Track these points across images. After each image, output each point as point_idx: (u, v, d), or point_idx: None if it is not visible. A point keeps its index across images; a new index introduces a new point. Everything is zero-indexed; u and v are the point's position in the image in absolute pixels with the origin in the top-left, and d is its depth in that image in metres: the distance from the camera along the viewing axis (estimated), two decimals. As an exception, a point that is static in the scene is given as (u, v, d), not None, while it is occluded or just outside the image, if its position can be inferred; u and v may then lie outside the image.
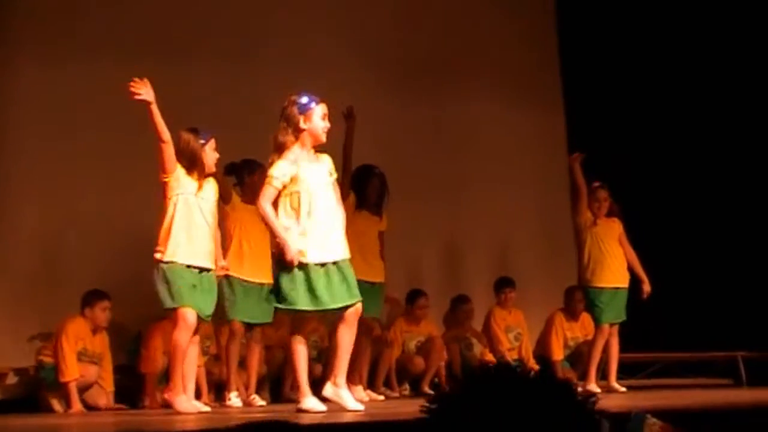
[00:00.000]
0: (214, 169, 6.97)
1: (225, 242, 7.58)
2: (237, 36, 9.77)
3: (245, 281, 7.78)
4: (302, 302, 6.16)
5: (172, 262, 6.72)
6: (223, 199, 7.63)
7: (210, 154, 6.92)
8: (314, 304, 6.17)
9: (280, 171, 6.21)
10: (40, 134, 8.99)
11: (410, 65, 10.52)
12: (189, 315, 6.70)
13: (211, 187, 6.97)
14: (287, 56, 9.77)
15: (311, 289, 6.15)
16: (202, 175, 6.86)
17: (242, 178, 7.90)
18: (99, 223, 8.97)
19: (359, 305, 6.25)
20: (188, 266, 6.75)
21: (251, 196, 7.77)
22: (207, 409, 7.08)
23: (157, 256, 6.73)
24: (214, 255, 6.97)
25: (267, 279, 7.46)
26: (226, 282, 7.65)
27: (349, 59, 10.07)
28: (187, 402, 6.74)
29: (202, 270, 6.82)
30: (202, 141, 6.89)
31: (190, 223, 6.78)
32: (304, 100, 6.27)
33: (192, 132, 6.89)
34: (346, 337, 6.23)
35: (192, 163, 6.82)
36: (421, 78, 10.55)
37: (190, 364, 6.84)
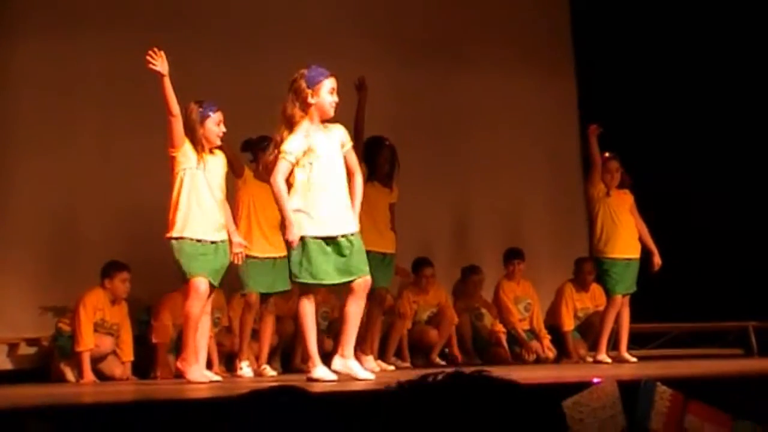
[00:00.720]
0: (216, 143, 6.89)
1: (235, 216, 7.58)
2: (243, 9, 9.75)
3: (255, 256, 7.78)
4: (305, 276, 6.18)
5: (181, 238, 6.73)
6: (235, 172, 7.64)
7: (212, 128, 6.85)
8: (320, 277, 6.19)
9: (292, 146, 6.21)
10: (52, 106, 9.01)
11: (418, 36, 10.50)
12: (201, 284, 6.71)
13: (218, 160, 6.95)
14: (295, 30, 9.76)
15: (317, 263, 6.16)
16: (202, 148, 6.82)
17: (256, 155, 7.89)
18: (112, 197, 9.00)
19: (368, 277, 6.26)
20: (198, 240, 6.76)
21: (266, 172, 7.78)
22: (218, 378, 7.11)
23: (168, 234, 6.75)
24: (226, 228, 6.97)
25: (278, 252, 7.53)
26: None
27: (355, 31, 10.06)
28: (199, 372, 6.75)
29: (213, 242, 6.83)
30: (205, 113, 6.84)
31: (198, 197, 6.78)
32: (313, 74, 6.25)
33: (197, 104, 6.88)
34: (354, 308, 6.25)
35: (192, 135, 6.81)
36: (429, 48, 10.52)
37: (202, 334, 6.85)
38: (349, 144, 6.39)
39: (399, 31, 10.37)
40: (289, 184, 6.26)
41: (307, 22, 9.85)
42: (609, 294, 8.67)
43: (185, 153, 6.77)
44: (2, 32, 8.92)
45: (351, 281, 6.22)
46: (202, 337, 6.87)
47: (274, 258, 7.77)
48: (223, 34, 9.59)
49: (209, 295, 6.83)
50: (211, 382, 6.82)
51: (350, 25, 10.06)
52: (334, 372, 6.23)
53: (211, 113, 6.87)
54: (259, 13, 9.82)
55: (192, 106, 6.86)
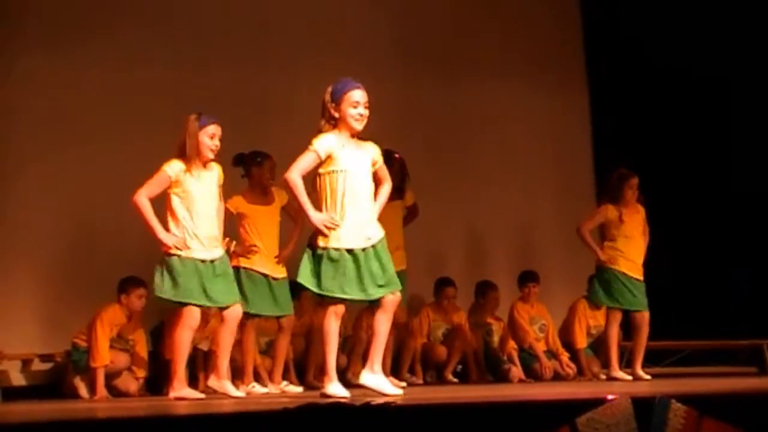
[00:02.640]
0: (207, 156, 6.84)
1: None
2: (252, 23, 9.78)
3: (254, 271, 7.78)
4: (337, 290, 6.17)
5: (176, 255, 6.75)
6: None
7: (205, 141, 6.82)
8: (348, 293, 6.18)
9: (322, 143, 6.19)
10: (66, 118, 9.04)
11: (430, 48, 10.51)
12: (193, 313, 6.76)
13: (213, 175, 6.91)
14: (304, 43, 9.78)
15: (343, 278, 6.16)
16: (197, 161, 6.80)
17: (249, 170, 7.87)
18: (128, 212, 8.99)
19: (399, 294, 6.26)
20: (194, 259, 6.77)
21: (258, 188, 7.81)
22: (201, 396, 7.07)
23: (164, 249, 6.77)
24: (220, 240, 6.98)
25: (277, 272, 7.70)
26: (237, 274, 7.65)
27: (367, 43, 10.07)
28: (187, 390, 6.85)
29: (212, 261, 6.84)
30: (200, 124, 6.81)
31: (191, 214, 6.79)
32: (337, 87, 6.22)
33: (196, 116, 6.85)
34: (384, 324, 6.24)
35: (184, 147, 6.79)
36: (441, 61, 10.53)
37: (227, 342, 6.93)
38: (380, 162, 6.40)
39: (410, 43, 10.37)
40: (316, 197, 6.25)
41: (317, 36, 9.86)
42: (609, 307, 8.63)
43: (176, 173, 6.78)
44: (5, 43, 8.95)
45: (382, 295, 6.22)
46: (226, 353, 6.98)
47: (276, 278, 7.80)
48: (232, 48, 9.60)
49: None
50: (196, 399, 6.85)
51: (361, 37, 10.07)
52: (362, 386, 6.24)
53: (206, 125, 6.83)
54: (267, 27, 9.84)
55: (191, 117, 6.86)
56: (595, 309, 9.54)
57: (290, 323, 8.01)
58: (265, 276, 7.78)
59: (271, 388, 7.85)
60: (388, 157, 8.36)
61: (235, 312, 6.93)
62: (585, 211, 9.08)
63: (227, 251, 7.13)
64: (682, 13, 10.83)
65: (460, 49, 10.66)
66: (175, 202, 6.80)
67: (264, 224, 7.79)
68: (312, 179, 6.29)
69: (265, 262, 7.78)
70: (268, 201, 7.83)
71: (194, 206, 6.79)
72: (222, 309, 6.95)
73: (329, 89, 6.23)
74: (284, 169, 6.28)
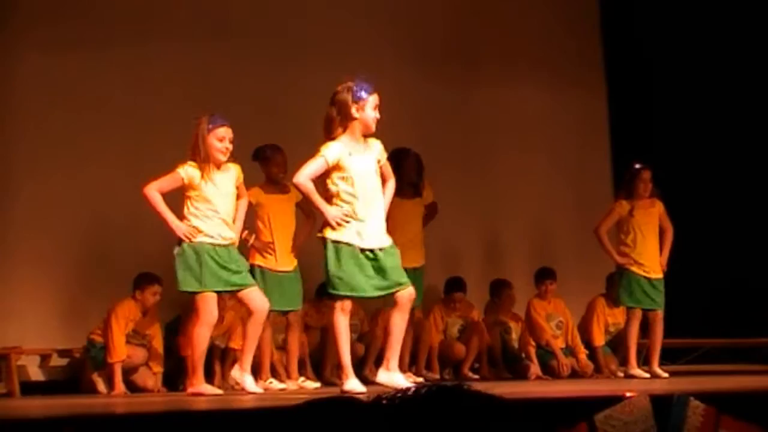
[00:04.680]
0: (219, 159, 6.81)
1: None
2: (265, 18, 9.77)
3: (275, 271, 7.80)
4: (343, 288, 6.20)
5: (190, 243, 6.78)
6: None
7: (215, 144, 6.78)
8: (358, 290, 6.21)
9: (331, 151, 6.25)
10: (77, 118, 9.05)
11: (447, 51, 10.48)
12: (210, 305, 6.76)
13: (230, 175, 6.90)
14: (319, 39, 9.75)
15: (353, 274, 6.19)
16: (210, 163, 6.78)
17: (263, 163, 7.90)
18: (143, 207, 9.01)
19: (411, 289, 6.29)
20: (208, 244, 6.78)
21: (275, 179, 7.84)
22: (220, 391, 7.11)
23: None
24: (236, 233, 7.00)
25: (288, 265, 7.74)
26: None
27: (384, 42, 10.06)
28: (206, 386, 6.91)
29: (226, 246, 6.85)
30: (210, 126, 6.80)
31: (206, 218, 6.80)
32: (359, 88, 6.29)
33: (206, 117, 6.84)
34: (399, 321, 6.28)
35: (196, 150, 6.78)
36: (459, 64, 10.52)
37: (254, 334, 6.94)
38: (385, 159, 6.47)
39: (426, 47, 10.36)
40: (328, 198, 6.30)
41: (333, 37, 9.84)
42: (629, 307, 8.64)
43: (191, 176, 6.80)
44: (7, 47, 8.95)
45: (391, 294, 6.23)
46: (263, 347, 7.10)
47: (287, 272, 7.81)
48: (245, 51, 9.59)
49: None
50: (215, 394, 6.89)
51: (377, 40, 10.06)
52: (378, 384, 6.25)
53: (215, 127, 6.81)
54: (282, 26, 9.82)
55: (202, 120, 6.83)
56: (614, 307, 9.52)
57: (298, 318, 8.05)
58: (277, 272, 7.79)
59: (289, 384, 7.86)
60: (403, 153, 8.41)
61: (261, 303, 6.91)
62: (601, 210, 9.07)
63: (246, 243, 7.15)
64: (699, 12, 10.78)
65: (478, 55, 10.64)
66: (190, 206, 6.81)
67: (280, 216, 7.82)
68: (323, 182, 6.36)
69: (278, 258, 7.80)
70: (284, 192, 7.85)
71: (209, 210, 6.79)
72: (239, 291, 6.91)
73: (348, 89, 6.29)
74: (294, 162, 6.31)
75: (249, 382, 6.97)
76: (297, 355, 8.13)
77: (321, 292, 8.08)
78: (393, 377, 6.25)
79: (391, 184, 6.50)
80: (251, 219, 7.66)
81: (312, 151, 6.41)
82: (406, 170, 8.37)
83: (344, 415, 1.83)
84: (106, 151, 9.07)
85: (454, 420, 1.79)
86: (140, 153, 8.89)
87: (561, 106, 10.87)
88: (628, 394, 4.46)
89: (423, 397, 1.81)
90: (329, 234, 6.23)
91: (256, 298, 6.89)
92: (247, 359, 6.98)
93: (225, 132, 6.82)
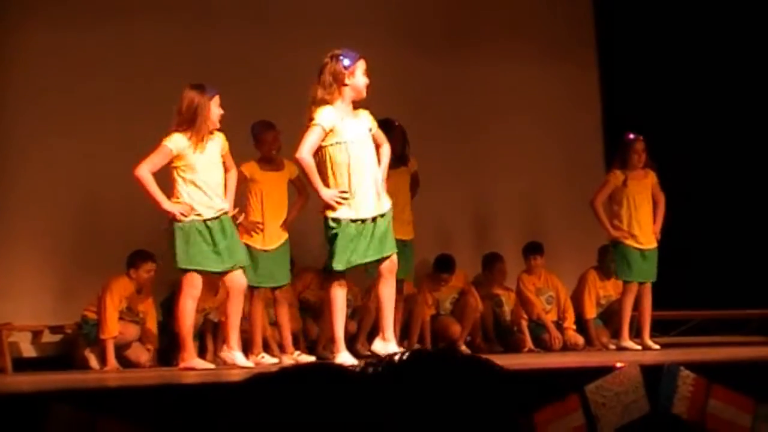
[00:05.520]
0: (218, 125, 6.91)
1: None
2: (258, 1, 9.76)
3: (261, 250, 7.81)
4: (341, 263, 6.26)
5: (183, 222, 6.79)
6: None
7: (214, 110, 6.86)
8: (354, 260, 6.27)
9: (324, 116, 6.27)
10: (71, 93, 9.03)
11: (437, 26, 10.45)
12: (195, 280, 6.81)
13: (216, 143, 6.92)
14: (312, 19, 9.72)
15: (352, 247, 6.24)
16: (206, 132, 6.81)
17: (257, 139, 7.90)
18: (136, 184, 9.01)
19: (395, 258, 6.32)
20: (200, 221, 6.80)
21: (267, 156, 7.83)
22: (212, 366, 7.15)
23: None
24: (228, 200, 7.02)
25: (276, 242, 7.73)
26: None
27: (374, 22, 10.01)
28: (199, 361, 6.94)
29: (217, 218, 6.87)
30: (210, 94, 6.84)
31: (195, 187, 6.81)
32: (348, 55, 6.34)
33: (197, 88, 6.86)
34: (388, 291, 6.35)
35: (192, 120, 6.78)
36: (449, 39, 10.48)
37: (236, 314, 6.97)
38: (375, 127, 6.53)
39: (417, 22, 10.32)
40: (323, 170, 6.32)
41: (325, 12, 9.82)
42: (625, 281, 8.65)
43: (178, 148, 6.81)
44: (12, 25, 8.93)
45: (378, 261, 6.26)
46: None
47: (277, 248, 7.81)
48: (238, 26, 9.57)
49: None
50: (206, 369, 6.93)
51: (369, 15, 10.02)
52: (374, 354, 6.28)
53: (214, 94, 6.87)
54: (272, 4, 9.80)
55: (192, 92, 6.82)
56: (605, 279, 9.54)
57: (285, 294, 8.05)
58: (264, 251, 7.80)
59: (285, 359, 7.86)
60: (388, 124, 8.40)
61: (239, 282, 6.94)
62: (594, 182, 9.06)
63: (234, 221, 7.15)
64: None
65: (469, 29, 10.59)
66: (178, 178, 6.81)
67: (272, 192, 7.82)
68: (316, 153, 6.36)
69: (266, 236, 7.81)
70: (279, 169, 7.85)
71: (198, 180, 6.80)
72: (228, 272, 6.94)
73: (336, 57, 6.33)
74: (288, 138, 6.31)
75: (239, 358, 6.98)
76: (289, 328, 8.13)
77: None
78: (389, 347, 6.28)
79: (386, 149, 6.57)
80: (241, 195, 7.64)
81: (302, 127, 6.41)
82: (393, 142, 8.37)
83: (326, 379, 1.83)
84: (98, 130, 9.04)
85: (442, 381, 1.80)
86: (132, 130, 8.86)
87: (553, 80, 10.85)
88: (618, 365, 4.48)
89: (408, 362, 1.81)
90: (332, 213, 6.28)
91: (234, 278, 6.93)
92: (233, 337, 6.99)
93: (219, 99, 6.90)
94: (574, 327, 9.51)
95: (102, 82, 9.10)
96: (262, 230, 7.77)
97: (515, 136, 10.68)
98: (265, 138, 7.85)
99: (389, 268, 6.33)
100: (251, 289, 7.56)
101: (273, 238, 7.82)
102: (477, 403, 1.82)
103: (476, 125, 10.53)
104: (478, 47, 10.57)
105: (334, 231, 6.27)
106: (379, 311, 6.45)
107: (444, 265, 9.42)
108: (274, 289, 7.98)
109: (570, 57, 10.90)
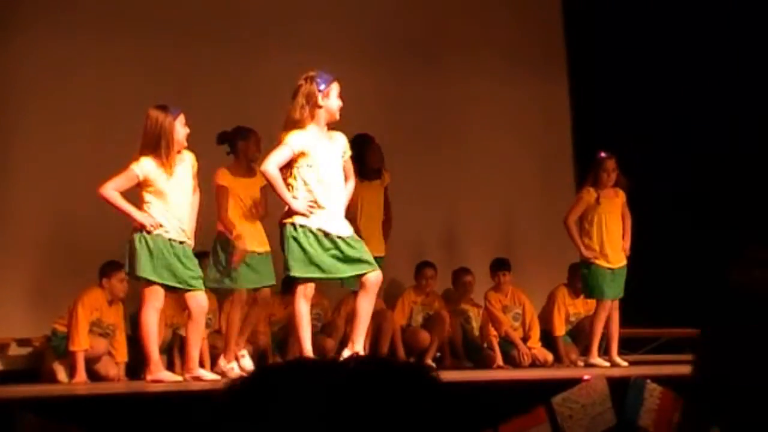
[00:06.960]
0: (185, 144, 6.93)
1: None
2: (238, 17, 9.77)
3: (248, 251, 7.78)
4: (309, 270, 6.29)
5: (149, 233, 6.81)
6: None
7: (180, 130, 6.87)
8: (328, 270, 6.30)
9: (296, 139, 6.36)
10: (50, 108, 9.01)
11: (408, 41, 10.47)
12: (158, 293, 6.87)
13: (185, 165, 6.95)
14: (280, 29, 9.76)
15: (318, 255, 6.28)
16: (173, 152, 6.83)
17: (234, 145, 7.86)
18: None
19: (378, 272, 6.39)
20: (166, 239, 6.81)
21: (244, 162, 7.81)
22: (179, 378, 7.16)
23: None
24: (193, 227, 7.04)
25: (261, 247, 7.64)
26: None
27: (344, 37, 10.04)
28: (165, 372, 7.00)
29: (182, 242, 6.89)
30: (174, 114, 6.86)
31: (165, 212, 6.82)
32: (322, 78, 6.46)
33: (160, 109, 6.88)
34: (366, 304, 6.42)
35: (158, 142, 6.78)
36: (420, 54, 10.51)
37: (196, 334, 6.97)
38: (349, 153, 6.65)
39: (387, 36, 10.35)
40: (293, 185, 6.39)
41: (294, 29, 9.84)
42: (598, 299, 8.68)
43: (145, 172, 6.82)
44: (7, 38, 8.92)
45: (361, 275, 6.30)
46: (195, 337, 7.02)
47: (259, 253, 7.78)
48: (218, 41, 9.58)
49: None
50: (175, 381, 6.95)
51: (339, 31, 10.04)
52: None
53: (177, 114, 6.89)
54: (249, 18, 9.81)
55: (157, 112, 6.85)
56: (575, 297, 9.55)
57: (266, 296, 7.95)
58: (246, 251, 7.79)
59: (221, 362, 7.76)
60: (367, 142, 8.44)
61: (200, 303, 6.95)
62: (564, 198, 9.10)
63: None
64: (664, 5, 10.83)
65: (440, 44, 10.64)
66: (148, 204, 6.82)
67: (247, 198, 7.76)
68: (287, 167, 6.47)
69: (247, 239, 7.78)
70: (252, 175, 7.83)
71: (170, 205, 6.83)
72: (187, 291, 6.92)
73: (311, 79, 6.44)
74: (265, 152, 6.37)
75: (204, 374, 6.97)
76: (250, 329, 8.01)
77: (286, 287, 7.99)
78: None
79: (351, 183, 6.69)
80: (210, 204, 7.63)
81: (274, 139, 6.47)
82: (369, 158, 8.43)
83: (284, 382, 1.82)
84: (72, 141, 9.02)
85: (381, 394, 1.79)
86: (105, 143, 8.85)
87: (523, 97, 10.90)
88: (585, 377, 4.50)
89: (353, 369, 1.81)
90: (296, 219, 6.33)
91: (195, 299, 6.94)
92: (193, 358, 7.00)
93: (183, 117, 6.92)
94: (539, 344, 9.50)
95: (75, 94, 9.09)
96: (240, 236, 7.72)
97: (486, 152, 10.72)
98: (253, 139, 7.80)
99: (374, 282, 6.40)
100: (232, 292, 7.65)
101: (252, 242, 7.76)
102: (407, 417, 1.82)
103: (447, 141, 10.57)
104: (449, 65, 10.62)
105: (294, 237, 6.33)
106: (352, 322, 6.48)
107: (424, 263, 9.50)
108: (256, 290, 7.89)
109: (540, 74, 10.96)
